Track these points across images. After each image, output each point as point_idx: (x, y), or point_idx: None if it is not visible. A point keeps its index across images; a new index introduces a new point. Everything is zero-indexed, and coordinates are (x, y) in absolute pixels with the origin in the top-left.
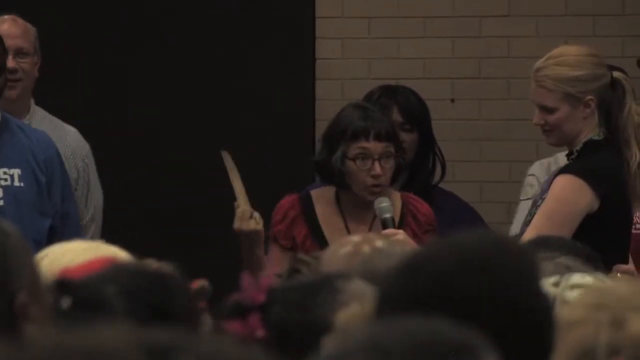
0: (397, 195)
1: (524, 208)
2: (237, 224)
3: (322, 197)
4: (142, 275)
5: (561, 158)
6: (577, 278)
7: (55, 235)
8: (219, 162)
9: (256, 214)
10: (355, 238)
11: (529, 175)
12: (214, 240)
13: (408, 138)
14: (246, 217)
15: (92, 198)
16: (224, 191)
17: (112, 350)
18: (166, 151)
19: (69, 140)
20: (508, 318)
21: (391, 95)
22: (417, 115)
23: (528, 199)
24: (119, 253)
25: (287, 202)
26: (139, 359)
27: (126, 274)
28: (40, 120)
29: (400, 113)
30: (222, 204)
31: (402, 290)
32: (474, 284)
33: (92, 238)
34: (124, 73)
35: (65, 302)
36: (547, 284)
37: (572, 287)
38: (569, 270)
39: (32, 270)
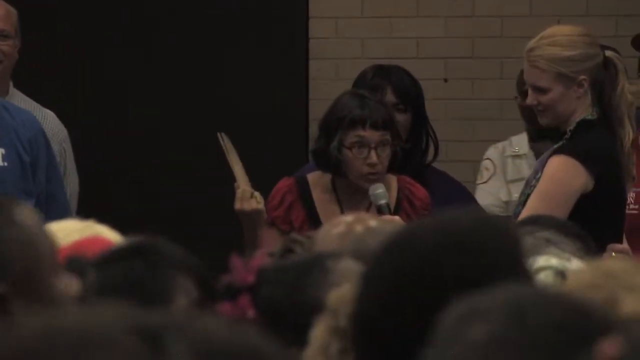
0: (393, 180)
1: (482, 192)
2: (238, 204)
3: (318, 183)
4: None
5: (515, 141)
6: (542, 261)
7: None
8: (218, 159)
9: (257, 194)
10: (348, 218)
11: (484, 159)
12: (214, 240)
13: (402, 118)
14: (247, 197)
15: (67, 183)
16: (224, 190)
17: (104, 332)
18: (165, 148)
19: (47, 124)
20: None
21: (385, 75)
22: (411, 95)
23: (484, 182)
24: (107, 232)
25: (284, 185)
26: (132, 341)
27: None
28: (19, 102)
29: (394, 93)
30: (222, 203)
31: (387, 269)
32: (459, 262)
33: None
34: (124, 73)
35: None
36: None
37: (538, 271)
38: (549, 243)
39: (27, 261)
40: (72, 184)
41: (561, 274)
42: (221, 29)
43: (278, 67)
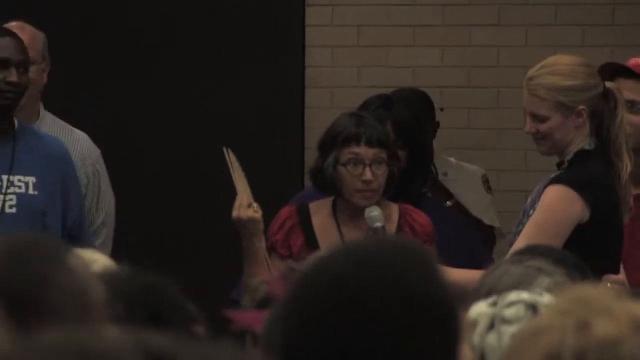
0: (394, 208)
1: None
2: (235, 212)
3: (319, 209)
4: (137, 282)
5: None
6: (514, 296)
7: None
8: (211, 171)
9: (255, 204)
10: None
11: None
12: (209, 257)
13: (400, 154)
14: (244, 205)
15: (103, 203)
16: (222, 205)
17: (111, 352)
18: (155, 165)
19: (79, 146)
20: (408, 315)
21: (387, 108)
22: (411, 131)
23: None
24: (99, 262)
25: (286, 212)
26: None
27: (121, 280)
28: (50, 125)
29: (393, 129)
30: (221, 218)
31: (301, 295)
32: (371, 284)
33: (104, 243)
34: (122, 81)
35: None
36: (485, 305)
37: (509, 305)
38: (541, 272)
39: (78, 309)
40: (108, 204)
41: (532, 307)
42: (218, 56)
43: (274, 96)
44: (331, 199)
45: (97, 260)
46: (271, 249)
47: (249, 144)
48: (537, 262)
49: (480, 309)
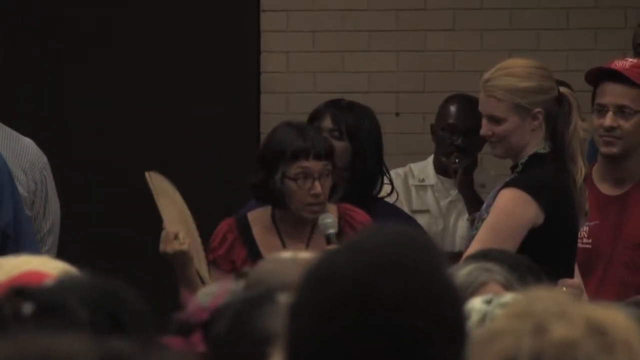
0: (332, 208)
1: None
2: (161, 247)
3: (258, 219)
4: (99, 286)
5: (415, 168)
6: (509, 297)
7: (9, 246)
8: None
9: (181, 235)
10: (287, 254)
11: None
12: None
13: (339, 146)
14: (170, 239)
15: (49, 210)
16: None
17: (69, 356)
18: (106, 174)
19: (26, 153)
20: (417, 314)
21: (330, 105)
22: (348, 121)
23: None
24: (48, 266)
25: (225, 225)
26: None
27: (83, 284)
28: None
29: (331, 119)
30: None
31: (314, 302)
32: (388, 287)
33: (50, 249)
34: (84, 93)
35: (27, 308)
36: (480, 301)
37: (502, 305)
38: (488, 271)
39: None
40: (54, 211)
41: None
42: (172, 62)
43: (229, 102)
44: (268, 208)
45: (55, 266)
46: (212, 264)
47: (203, 150)
48: (490, 265)
49: (473, 305)
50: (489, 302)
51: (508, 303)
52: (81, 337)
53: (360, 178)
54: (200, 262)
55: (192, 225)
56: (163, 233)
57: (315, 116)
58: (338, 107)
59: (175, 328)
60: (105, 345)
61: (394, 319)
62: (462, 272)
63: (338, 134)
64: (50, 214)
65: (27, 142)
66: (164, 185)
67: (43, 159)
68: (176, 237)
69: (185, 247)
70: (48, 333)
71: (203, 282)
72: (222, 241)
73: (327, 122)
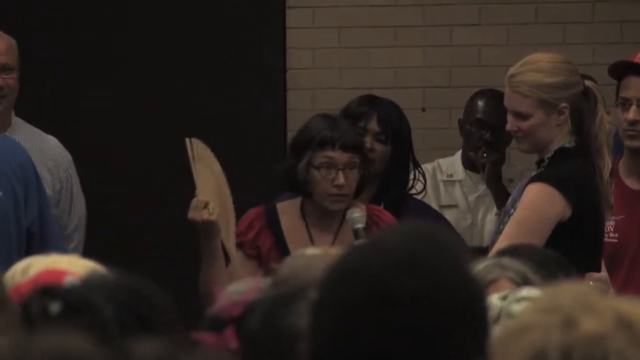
0: (362, 207)
1: None
2: (190, 213)
3: (287, 209)
4: (126, 285)
5: (443, 163)
6: (525, 291)
7: (35, 244)
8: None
9: (211, 204)
10: (316, 251)
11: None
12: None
13: (381, 149)
14: (199, 207)
15: (75, 207)
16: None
17: (80, 354)
18: (132, 167)
19: (51, 151)
20: (440, 311)
21: (372, 104)
22: (395, 126)
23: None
24: (69, 264)
25: (253, 213)
26: None
27: (110, 283)
28: (22, 132)
29: (377, 123)
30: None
31: (337, 299)
32: (411, 284)
33: (76, 247)
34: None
35: (55, 307)
36: (495, 298)
37: (518, 300)
38: (501, 268)
39: None
40: (79, 208)
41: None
42: (198, 58)
43: (256, 98)
44: (299, 199)
45: (83, 265)
46: (238, 246)
47: (230, 147)
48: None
49: (490, 300)
50: (504, 298)
51: (525, 297)
52: (90, 336)
53: (398, 181)
54: (228, 236)
55: (228, 199)
56: (193, 200)
57: (358, 115)
58: (383, 108)
59: (207, 323)
60: (124, 345)
61: (416, 315)
62: (476, 268)
63: (384, 137)
64: (76, 212)
65: (51, 139)
66: (204, 153)
67: (67, 157)
68: (206, 206)
69: (213, 217)
70: (57, 333)
71: (227, 258)
72: (249, 227)
73: (374, 125)
